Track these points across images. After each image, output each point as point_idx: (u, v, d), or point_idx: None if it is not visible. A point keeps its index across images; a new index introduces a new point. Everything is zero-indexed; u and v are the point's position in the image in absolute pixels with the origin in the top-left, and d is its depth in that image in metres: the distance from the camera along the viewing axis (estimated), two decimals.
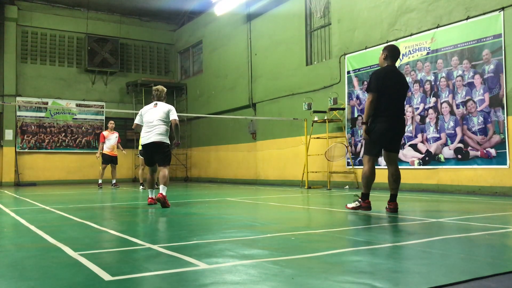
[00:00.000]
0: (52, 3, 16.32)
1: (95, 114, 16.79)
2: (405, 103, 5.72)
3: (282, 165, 12.90)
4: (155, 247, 3.24)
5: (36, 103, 15.70)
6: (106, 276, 2.40)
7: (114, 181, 12.33)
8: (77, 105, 16.37)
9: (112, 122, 12.48)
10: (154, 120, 6.56)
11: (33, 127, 15.73)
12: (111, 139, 12.08)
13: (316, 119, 10.91)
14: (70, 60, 16.79)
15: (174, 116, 6.60)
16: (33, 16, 16.04)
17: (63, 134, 16.22)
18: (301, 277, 2.37)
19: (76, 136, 16.41)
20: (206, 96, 16.62)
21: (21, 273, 2.54)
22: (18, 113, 15.53)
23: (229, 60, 15.35)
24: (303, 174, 11.23)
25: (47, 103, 15.93)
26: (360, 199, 5.37)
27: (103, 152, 12.08)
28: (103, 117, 16.90)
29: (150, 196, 6.76)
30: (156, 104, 6.69)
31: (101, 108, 16.76)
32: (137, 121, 6.85)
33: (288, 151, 12.65)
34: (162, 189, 6.30)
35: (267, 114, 13.30)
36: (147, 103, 17.09)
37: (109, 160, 12.14)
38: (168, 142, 6.63)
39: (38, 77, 16.06)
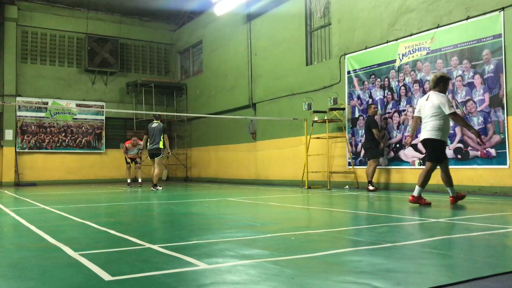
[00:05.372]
0: (52, 3, 16.32)
1: (95, 114, 16.78)
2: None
3: (282, 165, 12.89)
4: (155, 247, 3.24)
5: (36, 103, 15.69)
6: (106, 276, 2.40)
7: (139, 180, 13.08)
8: (77, 105, 16.36)
9: (135, 138, 12.76)
10: (424, 116, 5.98)
11: (33, 127, 15.72)
12: (133, 150, 12.66)
13: (316, 119, 10.91)
14: (70, 60, 16.78)
15: (446, 109, 5.77)
16: (33, 16, 16.03)
17: (63, 134, 16.21)
18: (301, 277, 2.37)
19: (76, 136, 16.40)
20: (206, 96, 16.62)
21: (21, 273, 2.54)
22: (18, 113, 15.52)
23: (229, 60, 15.34)
24: (303, 174, 11.23)
25: (47, 103, 15.92)
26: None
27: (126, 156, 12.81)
28: (103, 117, 16.90)
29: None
30: (428, 96, 5.95)
31: (101, 108, 16.75)
32: (415, 113, 6.32)
33: (288, 151, 12.65)
34: (417, 192, 6.01)
35: (267, 114, 13.29)
36: (147, 103, 17.48)
37: (131, 160, 12.93)
38: (435, 137, 5.91)
39: (38, 77, 16.05)
